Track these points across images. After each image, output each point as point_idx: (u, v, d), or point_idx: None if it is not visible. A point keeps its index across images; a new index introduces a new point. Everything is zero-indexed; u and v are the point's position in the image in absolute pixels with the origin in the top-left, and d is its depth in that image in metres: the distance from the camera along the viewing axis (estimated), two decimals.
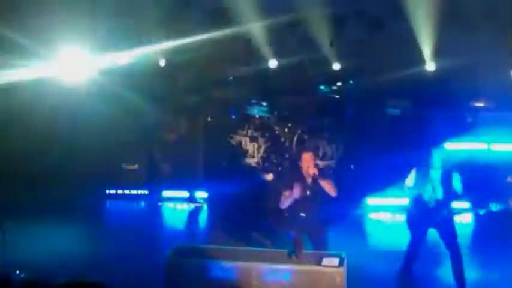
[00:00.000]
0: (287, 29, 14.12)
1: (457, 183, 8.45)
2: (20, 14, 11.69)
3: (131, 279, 8.73)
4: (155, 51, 13.59)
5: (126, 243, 10.35)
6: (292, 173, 8.53)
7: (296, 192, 8.24)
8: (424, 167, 8.50)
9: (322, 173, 8.43)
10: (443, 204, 8.38)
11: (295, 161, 8.56)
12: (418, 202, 8.51)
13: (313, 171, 8.28)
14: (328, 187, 8.30)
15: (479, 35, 13.04)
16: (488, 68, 13.38)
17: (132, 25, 13.51)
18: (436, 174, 8.42)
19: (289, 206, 8.40)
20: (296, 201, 8.36)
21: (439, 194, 8.40)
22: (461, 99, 13.29)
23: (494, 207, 8.15)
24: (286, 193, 8.31)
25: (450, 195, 8.40)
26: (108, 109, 12.96)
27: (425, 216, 8.45)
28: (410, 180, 8.58)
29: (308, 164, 8.33)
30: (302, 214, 8.39)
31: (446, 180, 8.42)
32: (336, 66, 13.81)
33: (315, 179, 8.31)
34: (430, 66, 13.26)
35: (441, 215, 8.38)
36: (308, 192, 8.38)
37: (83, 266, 8.74)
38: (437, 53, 13.07)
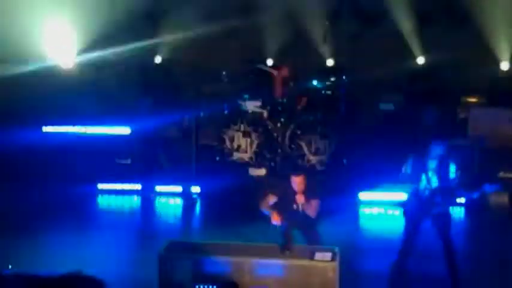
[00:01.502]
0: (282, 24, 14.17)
1: (452, 173, 8.47)
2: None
3: (124, 274, 8.75)
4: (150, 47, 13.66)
5: (119, 238, 10.36)
6: (284, 186, 8.59)
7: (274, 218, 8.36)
8: (420, 155, 8.52)
9: (309, 196, 8.43)
10: (438, 195, 8.40)
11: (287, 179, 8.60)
12: (413, 192, 8.54)
13: (300, 200, 8.34)
14: (311, 210, 8.38)
15: (470, 30, 13.09)
16: (480, 64, 13.44)
17: (127, 21, 13.56)
18: (431, 163, 8.45)
19: (283, 200, 8.46)
20: (288, 198, 8.43)
21: (434, 184, 8.43)
22: (453, 94, 13.35)
23: (488, 188, 8.17)
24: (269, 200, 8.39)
25: (445, 185, 8.41)
26: (102, 102, 13.01)
27: (419, 206, 8.47)
28: (407, 167, 8.59)
29: (297, 187, 8.37)
30: (295, 206, 8.45)
31: (443, 171, 8.44)
32: (330, 62, 13.85)
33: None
34: (420, 60, 13.31)
35: (435, 206, 8.41)
36: (295, 207, 8.46)
37: (75, 260, 8.75)
38: (428, 48, 13.13)
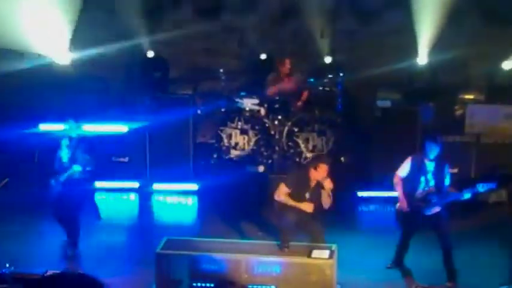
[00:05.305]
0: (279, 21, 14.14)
1: (447, 175, 8.49)
2: None
3: (122, 271, 8.74)
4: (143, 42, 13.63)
5: (116, 236, 10.34)
6: (301, 176, 8.57)
7: (306, 207, 8.31)
8: (418, 157, 8.52)
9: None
10: (434, 195, 8.40)
11: (307, 166, 8.62)
12: (410, 194, 8.53)
13: (329, 185, 8.31)
14: (327, 198, 8.38)
15: (468, 26, 13.07)
16: (478, 60, 13.43)
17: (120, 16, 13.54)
18: (430, 165, 8.44)
19: (296, 190, 8.48)
20: (302, 187, 8.42)
21: (432, 185, 8.43)
22: (451, 91, 13.34)
23: (481, 187, 8.17)
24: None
25: (442, 187, 8.42)
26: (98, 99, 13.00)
27: (417, 208, 8.47)
28: (404, 169, 8.59)
29: (322, 175, 8.35)
30: (307, 195, 8.49)
31: (439, 172, 8.44)
32: (328, 59, 13.77)
33: (318, 185, 8.39)
34: (422, 59, 13.23)
35: (431, 207, 8.41)
36: (308, 196, 8.44)
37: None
38: (431, 46, 13.06)
